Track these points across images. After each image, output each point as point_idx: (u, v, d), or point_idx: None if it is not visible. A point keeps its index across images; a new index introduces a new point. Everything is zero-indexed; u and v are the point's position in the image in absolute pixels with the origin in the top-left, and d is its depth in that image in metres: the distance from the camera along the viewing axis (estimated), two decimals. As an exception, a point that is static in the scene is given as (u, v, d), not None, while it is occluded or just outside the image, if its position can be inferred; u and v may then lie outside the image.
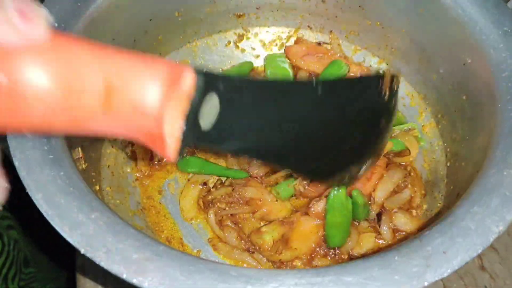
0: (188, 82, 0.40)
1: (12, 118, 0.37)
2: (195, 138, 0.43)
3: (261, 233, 0.77)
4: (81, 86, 0.37)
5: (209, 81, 0.41)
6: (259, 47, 1.02)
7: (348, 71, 0.93)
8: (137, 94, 0.38)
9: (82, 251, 0.50)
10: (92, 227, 0.52)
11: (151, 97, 0.38)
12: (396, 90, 0.56)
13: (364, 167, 0.60)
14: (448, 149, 0.85)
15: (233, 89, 0.45)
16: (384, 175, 0.83)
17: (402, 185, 0.84)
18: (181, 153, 0.42)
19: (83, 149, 0.73)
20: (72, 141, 0.69)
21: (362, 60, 0.99)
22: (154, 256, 0.50)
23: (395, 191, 0.84)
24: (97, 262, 0.49)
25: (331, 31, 0.99)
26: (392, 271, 0.49)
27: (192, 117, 0.41)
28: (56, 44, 0.37)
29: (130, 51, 0.40)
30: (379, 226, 0.79)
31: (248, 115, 0.46)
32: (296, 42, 1.00)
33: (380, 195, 0.82)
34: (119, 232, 0.52)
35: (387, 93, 0.54)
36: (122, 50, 0.39)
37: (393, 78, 0.55)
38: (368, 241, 0.78)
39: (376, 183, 0.82)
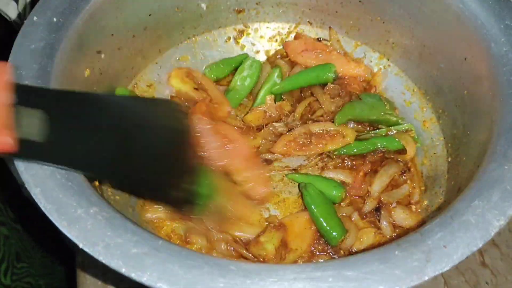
0: (8, 75, 0.44)
1: None
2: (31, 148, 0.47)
3: (260, 243, 0.75)
4: None
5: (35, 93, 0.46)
6: (259, 42, 1.02)
7: (336, 78, 0.93)
8: None
9: (81, 246, 0.50)
10: (91, 221, 0.51)
11: None
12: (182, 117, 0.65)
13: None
14: (449, 144, 0.84)
15: (57, 102, 0.50)
16: (379, 169, 0.84)
17: (401, 180, 0.84)
18: (24, 155, 0.46)
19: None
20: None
21: (363, 55, 0.98)
22: (153, 251, 0.50)
23: (394, 186, 0.84)
24: (95, 257, 0.49)
25: (330, 27, 0.99)
26: (392, 265, 0.49)
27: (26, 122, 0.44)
28: None
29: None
30: (379, 221, 0.79)
31: (75, 127, 0.50)
32: (296, 37, 1.00)
33: (375, 188, 0.82)
34: (118, 226, 0.51)
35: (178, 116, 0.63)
36: None
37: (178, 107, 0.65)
38: (368, 237, 0.78)
39: (372, 178, 0.83)
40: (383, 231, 0.78)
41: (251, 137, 0.89)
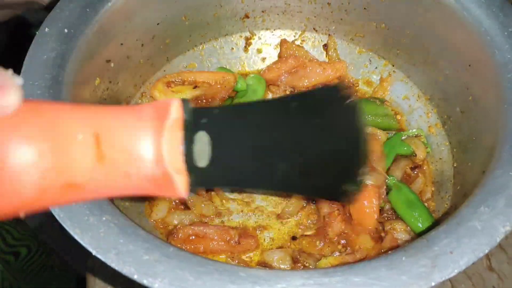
0: (175, 109, 0.38)
1: (4, 201, 0.35)
2: (197, 177, 0.41)
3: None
4: (69, 145, 0.35)
5: (195, 117, 0.40)
6: (265, 49, 1.03)
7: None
8: (126, 140, 0.37)
9: (94, 253, 0.51)
10: (103, 229, 0.53)
11: (143, 138, 0.37)
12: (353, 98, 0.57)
13: (361, 172, 0.60)
14: (454, 150, 0.85)
15: (219, 120, 0.43)
16: (391, 166, 0.86)
17: (414, 175, 0.86)
18: (192, 187, 0.40)
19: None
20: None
21: (368, 62, 0.99)
22: (164, 258, 0.51)
23: (407, 182, 0.85)
24: (108, 264, 0.50)
25: (329, 35, 1.00)
26: (399, 271, 0.50)
27: (190, 152, 0.39)
28: (35, 111, 0.35)
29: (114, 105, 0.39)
30: (383, 229, 0.79)
31: (239, 143, 0.45)
32: (280, 55, 1.01)
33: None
34: (129, 234, 0.53)
35: (348, 99, 0.54)
36: (105, 106, 0.39)
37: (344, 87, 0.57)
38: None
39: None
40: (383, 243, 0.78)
41: None
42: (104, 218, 0.54)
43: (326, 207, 0.81)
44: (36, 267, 1.12)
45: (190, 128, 0.39)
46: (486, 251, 0.51)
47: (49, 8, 0.86)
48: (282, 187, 0.54)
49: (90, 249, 0.51)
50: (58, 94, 0.66)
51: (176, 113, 0.38)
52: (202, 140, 0.40)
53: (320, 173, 0.50)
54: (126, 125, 0.37)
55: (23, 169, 0.34)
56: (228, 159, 0.43)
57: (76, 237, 0.52)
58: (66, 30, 0.72)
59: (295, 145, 0.48)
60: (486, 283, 0.87)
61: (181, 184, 0.39)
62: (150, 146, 0.37)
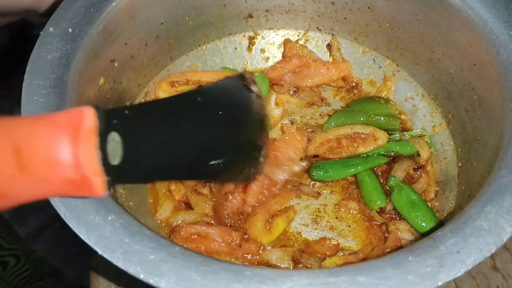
0: (89, 117, 0.41)
1: None
2: (112, 175, 0.44)
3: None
4: None
5: (107, 119, 0.44)
6: (268, 49, 1.03)
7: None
8: (45, 148, 0.39)
9: (100, 252, 0.51)
10: (109, 228, 0.53)
11: (60, 145, 0.40)
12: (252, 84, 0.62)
13: (261, 155, 0.65)
14: (459, 149, 0.85)
15: (128, 119, 0.47)
16: (393, 165, 0.86)
17: (417, 176, 0.86)
18: (109, 186, 0.44)
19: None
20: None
21: (372, 61, 0.99)
22: (169, 257, 0.50)
23: (410, 182, 0.85)
24: (114, 263, 0.50)
25: (333, 35, 1.00)
26: (405, 271, 0.50)
27: (104, 153, 0.42)
28: None
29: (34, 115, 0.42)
30: (387, 230, 0.79)
31: (148, 139, 0.48)
32: (283, 55, 1.01)
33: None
34: (135, 233, 0.52)
35: (250, 86, 0.59)
36: (23, 116, 0.42)
37: (248, 75, 0.62)
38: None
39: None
40: (386, 243, 0.77)
41: None
42: (109, 218, 0.53)
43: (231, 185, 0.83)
44: (26, 277, 1.11)
45: (103, 132, 0.42)
46: (493, 250, 0.51)
47: (46, 15, 0.86)
48: (192, 177, 0.60)
49: (96, 248, 0.51)
50: (63, 94, 0.66)
51: (90, 120, 0.41)
52: (114, 140, 0.44)
53: (226, 160, 0.55)
54: (44, 135, 0.40)
55: None
56: (139, 155, 0.47)
57: (82, 237, 0.52)
58: (70, 30, 0.72)
59: (199, 137, 0.53)
60: (491, 283, 0.86)
61: (98, 184, 0.42)
62: (67, 153, 0.40)
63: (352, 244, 0.81)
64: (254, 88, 0.60)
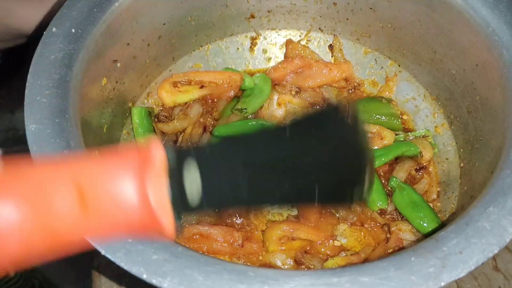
0: (159, 157, 0.39)
1: None
2: (188, 210, 0.43)
3: None
4: (50, 201, 0.37)
5: (182, 156, 0.42)
6: (270, 49, 1.03)
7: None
8: (111, 188, 0.38)
9: (103, 252, 0.51)
10: (112, 229, 0.53)
11: (127, 186, 0.38)
12: (355, 115, 0.58)
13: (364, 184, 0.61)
14: (461, 150, 0.85)
15: (208, 156, 0.45)
16: (395, 166, 0.86)
17: (419, 176, 0.86)
18: (178, 226, 0.42)
19: (100, 153, 0.74)
20: (90, 145, 0.71)
21: (374, 62, 0.99)
22: (172, 257, 0.51)
23: (412, 183, 0.85)
24: (117, 263, 0.50)
25: (335, 35, 1.00)
26: (408, 271, 0.50)
27: (178, 192, 0.40)
28: (16, 175, 0.37)
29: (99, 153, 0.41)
30: (389, 231, 0.79)
31: (230, 174, 0.46)
32: (286, 55, 1.02)
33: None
34: (138, 233, 0.53)
35: (349, 118, 0.55)
36: (87, 155, 0.40)
37: (348, 106, 0.58)
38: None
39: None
40: (388, 243, 0.77)
41: None
42: (113, 218, 0.54)
43: None
44: None
45: (175, 170, 0.40)
46: (496, 251, 0.51)
47: (33, 38, 0.87)
48: (285, 203, 0.58)
49: (99, 249, 0.51)
50: (66, 94, 0.66)
51: (159, 161, 0.39)
52: (191, 175, 0.41)
53: (322, 189, 0.52)
54: (109, 174, 0.38)
55: (6, 228, 0.36)
56: (218, 187, 0.44)
57: (86, 237, 0.52)
58: (73, 30, 0.72)
59: (290, 167, 0.49)
60: (492, 283, 0.86)
61: (168, 225, 0.40)
62: (134, 193, 0.38)
63: (353, 245, 0.81)
64: (352, 119, 0.55)
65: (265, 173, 0.48)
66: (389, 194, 0.84)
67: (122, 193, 0.38)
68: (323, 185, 0.51)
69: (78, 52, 0.71)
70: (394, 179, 0.83)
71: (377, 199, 0.82)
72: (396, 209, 0.82)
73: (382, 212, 0.83)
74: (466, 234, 0.52)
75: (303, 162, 0.50)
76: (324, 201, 0.55)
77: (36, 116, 0.62)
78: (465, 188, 0.79)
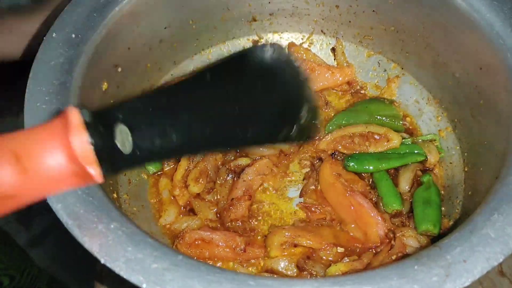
0: (75, 118, 0.46)
1: None
2: (122, 162, 0.50)
3: None
4: None
5: (108, 112, 0.49)
6: (272, 53, 1.02)
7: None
8: (42, 152, 0.46)
9: (102, 261, 0.50)
10: (112, 237, 0.52)
11: (56, 147, 0.46)
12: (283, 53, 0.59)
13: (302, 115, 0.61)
14: (465, 154, 0.84)
15: (136, 109, 0.51)
16: (400, 168, 0.86)
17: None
18: (106, 174, 0.49)
19: (101, 158, 0.74)
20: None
21: (377, 65, 0.98)
22: (172, 266, 0.50)
23: (419, 184, 0.84)
24: (116, 272, 0.50)
25: (337, 38, 0.99)
26: (411, 280, 0.49)
27: (103, 144, 0.47)
28: None
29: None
30: (394, 238, 0.78)
31: (161, 122, 0.52)
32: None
33: (404, 186, 0.84)
34: (138, 242, 0.52)
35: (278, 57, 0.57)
36: (21, 130, 0.47)
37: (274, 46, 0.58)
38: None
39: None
40: (392, 249, 0.76)
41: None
42: (112, 226, 0.53)
43: (239, 190, 0.82)
44: None
45: (94, 127, 0.47)
46: (501, 259, 0.50)
47: (24, 62, 0.87)
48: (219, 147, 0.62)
49: (98, 257, 0.51)
50: (66, 100, 0.65)
51: (76, 121, 0.46)
52: (123, 131, 0.49)
53: (258, 123, 0.56)
54: (40, 142, 0.46)
55: None
56: (149, 142, 0.50)
57: (85, 245, 0.52)
58: (73, 35, 0.72)
59: (214, 112, 0.54)
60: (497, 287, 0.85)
61: (95, 172, 0.47)
62: (62, 152, 0.46)
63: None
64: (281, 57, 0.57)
65: (192, 120, 0.52)
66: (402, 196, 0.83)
67: (53, 155, 0.45)
68: (254, 125, 0.55)
69: (78, 57, 0.70)
70: (428, 175, 0.83)
71: (390, 202, 0.81)
72: (409, 213, 0.81)
73: (397, 215, 0.82)
74: (470, 242, 0.52)
75: (227, 105, 0.54)
76: (259, 140, 0.58)
77: (36, 123, 0.62)
78: (470, 193, 0.78)
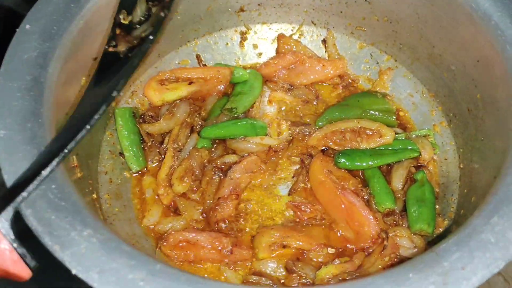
0: None
1: None
2: None
3: None
4: None
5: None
6: (261, 44, 0.99)
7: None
8: None
9: (74, 272, 0.47)
10: (85, 245, 0.49)
11: None
12: None
13: None
14: (461, 150, 0.81)
15: None
16: (393, 165, 0.83)
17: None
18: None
19: (79, 157, 0.70)
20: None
21: (369, 56, 0.95)
22: (150, 276, 0.47)
23: (412, 181, 0.81)
24: (90, 284, 0.46)
25: (328, 30, 0.95)
26: (406, 289, 0.46)
27: None
28: None
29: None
30: (386, 240, 0.75)
31: None
32: (277, 50, 0.97)
33: (397, 184, 0.81)
34: (113, 250, 0.48)
35: None
36: None
37: None
38: None
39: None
40: (384, 252, 0.73)
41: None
42: (85, 233, 0.49)
43: (226, 188, 0.79)
44: None
45: None
46: (502, 266, 0.47)
47: None
48: None
49: (70, 267, 0.47)
50: (39, 96, 0.61)
51: None
52: None
53: None
54: None
55: None
56: None
57: (55, 254, 0.48)
58: (49, 27, 0.67)
59: None
60: (492, 286, 0.83)
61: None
62: None
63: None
64: None
65: None
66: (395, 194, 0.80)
67: None
68: None
69: (54, 51, 0.66)
70: (423, 172, 0.80)
71: (382, 200, 0.78)
72: (402, 211, 0.78)
73: (390, 214, 0.78)
74: (469, 247, 0.48)
75: None
76: None
77: (6, 121, 0.58)
78: (465, 190, 0.75)
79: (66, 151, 0.54)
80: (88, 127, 0.57)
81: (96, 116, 0.58)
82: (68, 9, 0.70)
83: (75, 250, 0.48)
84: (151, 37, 0.69)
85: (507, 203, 0.52)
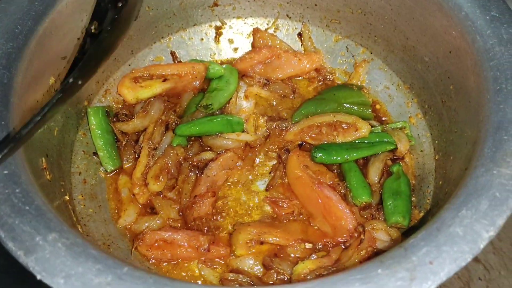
0: None
1: None
2: None
3: None
4: None
5: None
6: (237, 39, 0.98)
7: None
8: None
9: (39, 277, 0.46)
10: (49, 249, 0.48)
11: None
12: None
13: None
14: (436, 142, 0.81)
15: None
16: (370, 158, 0.83)
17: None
18: None
19: (48, 159, 0.69)
20: (35, 152, 0.65)
21: (345, 49, 0.94)
22: (116, 280, 0.46)
23: (389, 174, 0.81)
24: (54, 289, 0.45)
25: (303, 23, 0.95)
26: (374, 286, 0.46)
27: None
28: None
29: None
30: (363, 234, 0.75)
31: None
32: (253, 45, 0.97)
33: (373, 177, 0.81)
34: (79, 254, 0.48)
35: None
36: None
37: None
38: None
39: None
40: (361, 245, 0.73)
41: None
42: (50, 237, 0.49)
43: (203, 186, 0.79)
44: None
45: None
46: (469, 259, 0.47)
47: None
48: None
49: (35, 273, 0.46)
50: (3, 99, 0.60)
51: None
52: None
53: None
54: None
55: None
56: None
57: (20, 260, 0.47)
58: (12, 26, 0.66)
59: None
60: (472, 274, 0.84)
61: None
62: None
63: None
64: None
65: None
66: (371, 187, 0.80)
67: None
68: None
69: (18, 51, 0.65)
70: (399, 165, 0.80)
71: (359, 194, 0.78)
72: (378, 204, 0.78)
73: (366, 207, 0.78)
74: (437, 242, 0.48)
75: None
76: None
77: (-32, 124, 0.57)
78: (440, 182, 0.75)
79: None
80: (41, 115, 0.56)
81: (49, 105, 0.57)
82: (33, 7, 0.69)
83: (40, 255, 0.47)
84: (108, 28, 0.69)
85: (475, 195, 0.51)
